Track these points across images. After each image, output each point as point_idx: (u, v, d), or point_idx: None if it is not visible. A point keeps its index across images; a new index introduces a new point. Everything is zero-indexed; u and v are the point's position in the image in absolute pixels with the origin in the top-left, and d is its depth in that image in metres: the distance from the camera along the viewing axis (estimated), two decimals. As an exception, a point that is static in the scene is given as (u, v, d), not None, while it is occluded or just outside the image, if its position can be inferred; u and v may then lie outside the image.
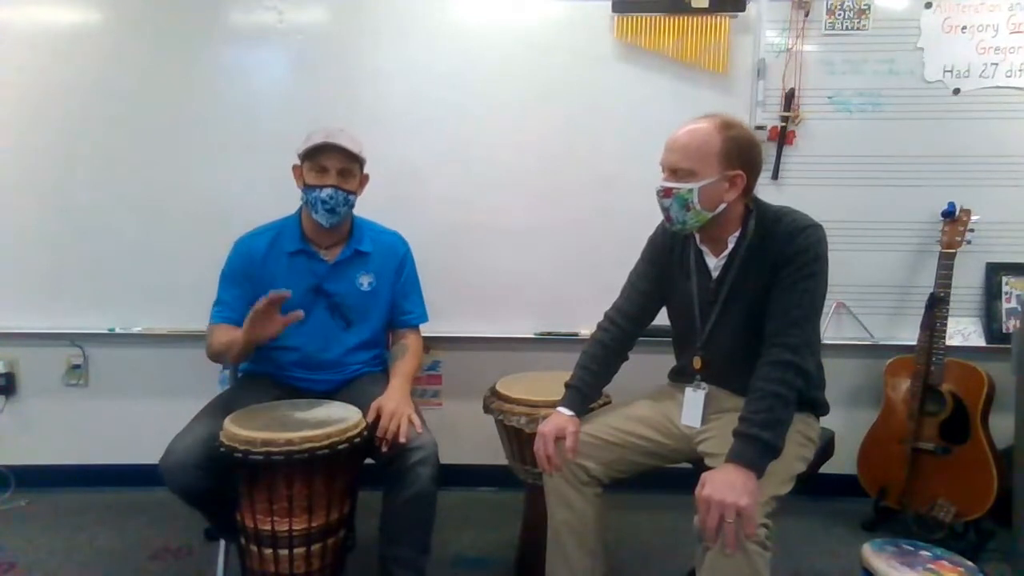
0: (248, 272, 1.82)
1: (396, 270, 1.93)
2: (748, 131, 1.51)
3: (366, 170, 1.88)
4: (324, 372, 1.86)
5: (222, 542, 1.92)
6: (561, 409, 1.60)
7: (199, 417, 1.70)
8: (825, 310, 1.75)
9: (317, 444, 1.48)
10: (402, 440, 1.59)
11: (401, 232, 1.99)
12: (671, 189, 1.48)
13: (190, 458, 1.53)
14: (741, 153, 1.46)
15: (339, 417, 1.60)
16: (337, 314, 1.86)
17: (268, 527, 1.54)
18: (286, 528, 1.54)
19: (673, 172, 1.49)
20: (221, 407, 1.69)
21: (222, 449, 1.49)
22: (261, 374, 1.89)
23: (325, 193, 1.74)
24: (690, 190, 1.46)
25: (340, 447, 1.51)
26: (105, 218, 2.39)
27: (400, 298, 1.94)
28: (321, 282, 1.84)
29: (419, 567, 1.67)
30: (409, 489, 1.59)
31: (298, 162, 1.81)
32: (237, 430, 1.50)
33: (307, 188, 1.78)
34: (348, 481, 1.65)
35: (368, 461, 1.72)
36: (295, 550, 1.55)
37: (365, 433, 1.58)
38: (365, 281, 1.88)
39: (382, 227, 1.97)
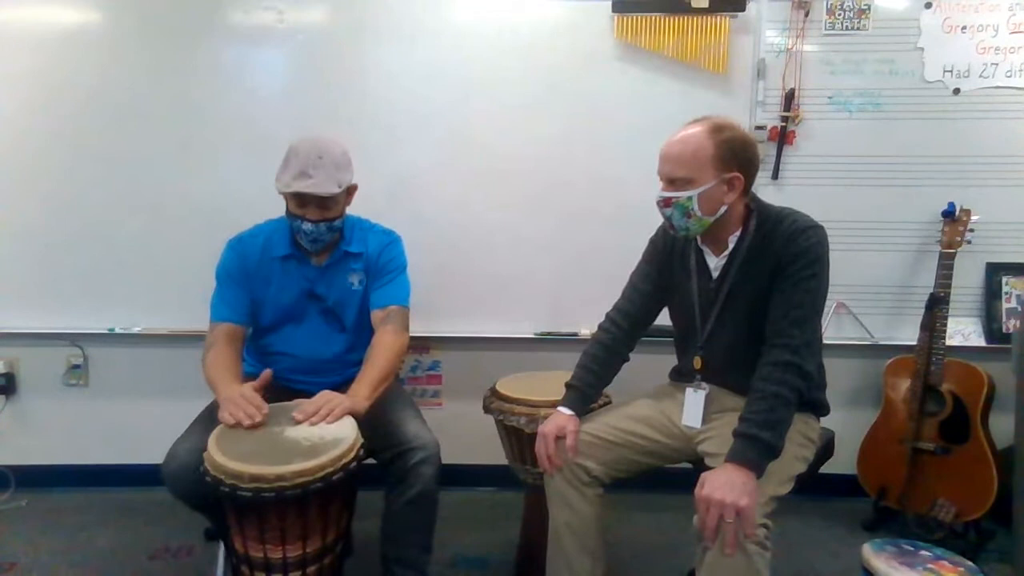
0: (247, 272, 1.80)
1: (381, 264, 1.87)
2: (741, 131, 1.50)
3: (355, 179, 1.80)
4: (323, 375, 1.83)
5: (222, 542, 1.91)
6: (561, 409, 1.61)
7: (200, 420, 1.69)
8: (825, 310, 1.75)
9: (310, 478, 1.32)
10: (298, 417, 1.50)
11: (402, 232, 1.96)
12: (670, 199, 1.48)
13: (192, 462, 1.50)
14: (736, 154, 1.46)
15: (333, 438, 1.44)
16: (331, 317, 1.85)
17: (260, 554, 1.40)
18: (279, 556, 1.40)
19: (671, 182, 1.48)
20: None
21: (207, 479, 1.35)
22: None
23: (307, 227, 1.71)
24: (689, 198, 1.46)
25: (335, 477, 1.36)
26: (105, 218, 2.39)
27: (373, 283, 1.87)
28: (312, 286, 1.82)
29: (421, 567, 1.67)
30: (411, 489, 1.59)
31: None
32: (223, 460, 1.34)
33: (290, 215, 1.74)
34: (345, 499, 1.54)
35: (369, 461, 1.71)
36: (290, 574, 1.43)
37: (361, 452, 1.45)
38: (355, 280, 1.85)
39: (371, 224, 1.92)
